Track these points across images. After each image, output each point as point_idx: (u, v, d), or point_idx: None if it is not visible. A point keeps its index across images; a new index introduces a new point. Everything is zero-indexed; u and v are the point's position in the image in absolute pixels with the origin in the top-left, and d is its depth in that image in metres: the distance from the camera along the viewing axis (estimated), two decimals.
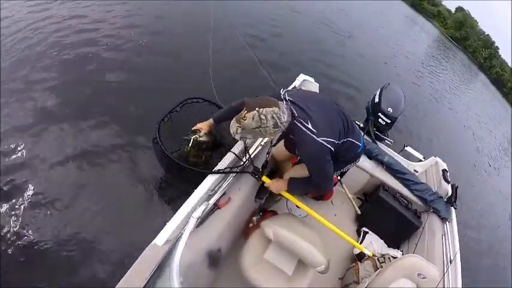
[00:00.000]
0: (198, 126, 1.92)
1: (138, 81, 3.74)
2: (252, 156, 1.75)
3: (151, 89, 3.66)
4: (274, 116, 1.30)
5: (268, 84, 2.32)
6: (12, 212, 2.22)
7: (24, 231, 2.14)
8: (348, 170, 1.87)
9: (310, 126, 1.39)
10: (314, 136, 1.38)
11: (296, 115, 1.41)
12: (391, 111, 2.61)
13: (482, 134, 10.63)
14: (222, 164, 1.61)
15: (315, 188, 1.79)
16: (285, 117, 1.33)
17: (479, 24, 53.52)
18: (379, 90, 2.83)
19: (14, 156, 2.55)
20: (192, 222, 1.32)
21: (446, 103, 10.48)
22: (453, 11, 56.71)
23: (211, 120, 1.91)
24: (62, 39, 4.06)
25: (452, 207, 2.32)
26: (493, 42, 50.73)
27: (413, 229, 2.31)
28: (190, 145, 1.86)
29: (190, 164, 1.84)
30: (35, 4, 4.68)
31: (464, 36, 49.18)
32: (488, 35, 52.84)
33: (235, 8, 7.33)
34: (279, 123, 1.31)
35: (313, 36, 8.16)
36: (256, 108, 1.28)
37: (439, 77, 13.18)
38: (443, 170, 2.59)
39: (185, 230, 1.27)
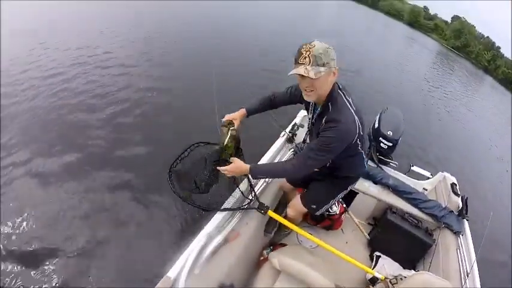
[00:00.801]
0: (231, 116, 1.74)
1: (148, 130, 4.12)
2: (257, 193, 1.85)
3: (164, 136, 4.02)
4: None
5: (272, 125, 2.46)
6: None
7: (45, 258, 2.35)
8: (343, 196, 1.91)
9: (351, 101, 1.38)
10: (353, 111, 1.35)
11: (341, 86, 1.40)
12: (391, 134, 2.68)
13: (499, 139, 10.32)
14: (229, 202, 1.72)
15: (289, 169, 1.46)
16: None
17: (476, 28, 53.83)
18: (378, 115, 2.93)
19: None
20: (195, 250, 1.39)
21: (458, 117, 10.34)
22: (449, 21, 57.65)
23: (243, 111, 1.76)
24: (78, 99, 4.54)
25: (465, 220, 2.29)
26: (494, 43, 50.43)
27: (426, 247, 2.27)
28: (228, 138, 1.73)
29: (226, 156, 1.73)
30: (48, 68, 5.23)
31: (464, 43, 49.26)
32: (488, 37, 52.73)
33: (235, 56, 7.82)
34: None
35: None
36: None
37: (447, 92, 13.09)
38: (452, 184, 2.58)
39: (188, 258, 1.35)
